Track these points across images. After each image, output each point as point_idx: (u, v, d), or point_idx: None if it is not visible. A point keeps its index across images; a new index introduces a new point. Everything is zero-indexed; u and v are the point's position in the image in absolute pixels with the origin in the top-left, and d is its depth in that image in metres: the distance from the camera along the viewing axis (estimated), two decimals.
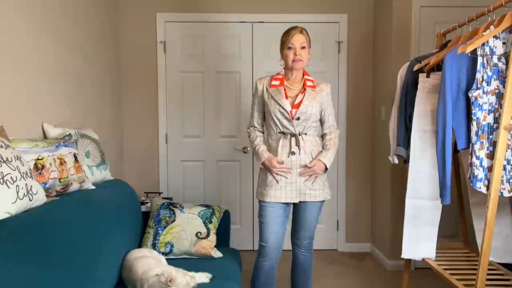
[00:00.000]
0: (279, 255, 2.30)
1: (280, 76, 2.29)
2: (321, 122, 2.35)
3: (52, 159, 1.75)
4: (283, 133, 2.23)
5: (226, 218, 2.61)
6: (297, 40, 2.18)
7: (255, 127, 2.38)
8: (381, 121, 3.48)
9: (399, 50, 3.23)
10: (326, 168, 2.25)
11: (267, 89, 2.27)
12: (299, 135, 2.22)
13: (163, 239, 2.31)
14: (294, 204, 2.28)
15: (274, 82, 2.27)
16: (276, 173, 2.21)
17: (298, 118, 2.20)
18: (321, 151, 2.28)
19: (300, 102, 2.21)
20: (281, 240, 2.28)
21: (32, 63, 2.03)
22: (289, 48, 2.19)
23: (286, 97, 2.23)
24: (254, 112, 2.38)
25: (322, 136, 2.37)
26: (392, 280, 3.10)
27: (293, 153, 2.20)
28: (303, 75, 2.29)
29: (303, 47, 2.19)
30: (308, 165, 2.19)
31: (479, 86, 1.98)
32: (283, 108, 2.20)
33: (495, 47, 1.97)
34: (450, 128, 2.08)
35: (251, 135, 2.37)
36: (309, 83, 2.26)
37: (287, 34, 2.22)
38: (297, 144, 2.20)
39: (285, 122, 2.21)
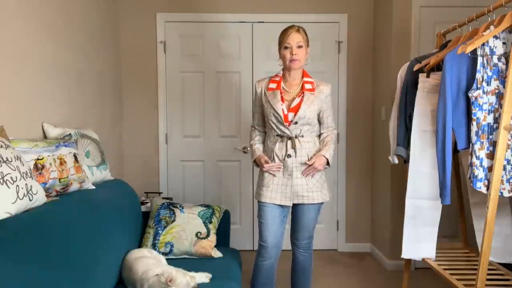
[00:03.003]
0: (278, 254, 2.31)
1: (278, 78, 2.27)
2: (319, 122, 2.34)
3: (52, 159, 1.75)
4: (280, 136, 2.23)
5: (226, 218, 2.61)
6: (294, 39, 2.16)
7: (255, 127, 2.43)
8: (381, 121, 3.48)
9: (399, 50, 3.23)
10: (328, 163, 2.25)
11: (265, 92, 2.27)
12: (296, 138, 2.21)
13: (163, 239, 2.31)
14: (293, 204, 2.27)
15: (271, 85, 2.26)
16: (268, 171, 2.25)
17: (296, 123, 2.19)
18: (320, 149, 2.27)
19: (297, 106, 2.19)
20: (280, 240, 2.28)
21: (32, 63, 2.03)
22: (286, 47, 2.18)
23: (283, 101, 2.22)
24: (255, 114, 2.41)
25: (319, 136, 2.35)
26: (392, 280, 3.10)
27: (289, 155, 2.20)
28: (303, 76, 2.27)
29: (299, 46, 2.17)
30: (308, 162, 2.19)
31: (479, 86, 1.98)
32: (277, 113, 2.19)
33: (495, 47, 1.97)
34: (450, 128, 2.08)
35: (251, 134, 2.44)
36: (307, 86, 2.23)
37: (284, 34, 2.20)
38: (293, 147, 2.20)
39: (280, 126, 2.21)
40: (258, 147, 2.35)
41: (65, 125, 2.33)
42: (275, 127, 2.23)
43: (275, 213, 2.24)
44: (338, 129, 3.72)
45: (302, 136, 2.22)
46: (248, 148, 3.67)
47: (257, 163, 2.32)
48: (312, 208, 2.27)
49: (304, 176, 2.22)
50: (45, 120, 2.14)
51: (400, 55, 3.21)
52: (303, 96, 2.21)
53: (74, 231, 1.55)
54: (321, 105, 2.26)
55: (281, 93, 2.23)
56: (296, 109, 2.19)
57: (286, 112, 2.20)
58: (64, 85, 2.39)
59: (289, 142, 2.21)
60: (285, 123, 2.19)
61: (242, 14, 3.62)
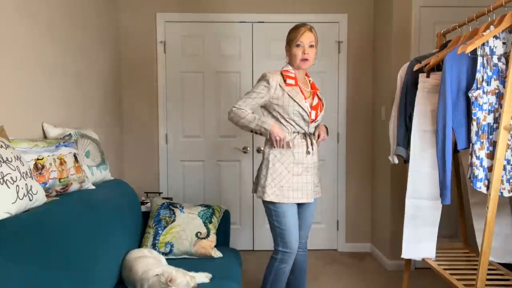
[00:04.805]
0: None
1: (292, 75, 2.18)
2: None
3: (52, 159, 1.75)
4: (297, 132, 2.19)
5: (226, 218, 2.61)
6: (307, 38, 2.13)
7: (243, 109, 2.15)
8: (381, 121, 3.48)
9: (399, 50, 3.23)
10: (327, 130, 2.33)
11: (281, 86, 2.14)
12: (311, 135, 2.22)
13: (163, 239, 2.31)
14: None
15: (289, 81, 2.15)
16: (278, 141, 2.09)
17: (317, 121, 2.22)
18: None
19: (317, 105, 2.21)
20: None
21: (32, 63, 2.03)
22: (298, 45, 2.13)
23: (305, 98, 2.18)
24: (251, 100, 2.15)
25: None
26: (392, 280, 3.10)
27: (308, 152, 2.18)
28: (306, 75, 2.30)
29: (311, 46, 2.15)
30: (315, 133, 2.25)
31: (479, 86, 1.98)
32: (304, 110, 2.14)
33: (495, 47, 1.97)
34: (450, 128, 2.07)
35: (241, 112, 2.13)
36: (316, 85, 2.30)
37: (296, 31, 2.15)
38: (312, 144, 2.20)
39: (301, 123, 2.17)
40: (264, 117, 2.17)
41: (65, 125, 2.33)
42: (294, 124, 2.17)
43: (294, 215, 2.18)
44: (338, 129, 3.73)
45: (312, 133, 2.25)
46: (249, 148, 3.67)
47: (271, 134, 2.08)
48: (314, 202, 2.30)
49: (317, 142, 2.27)
50: (45, 120, 2.14)
51: (400, 55, 3.21)
52: (317, 95, 2.25)
53: (74, 231, 1.55)
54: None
55: (300, 90, 2.18)
56: (316, 108, 2.21)
57: (309, 109, 2.18)
58: (64, 85, 2.40)
59: (308, 139, 2.19)
60: (308, 121, 2.18)
61: (242, 14, 3.62)
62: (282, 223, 2.14)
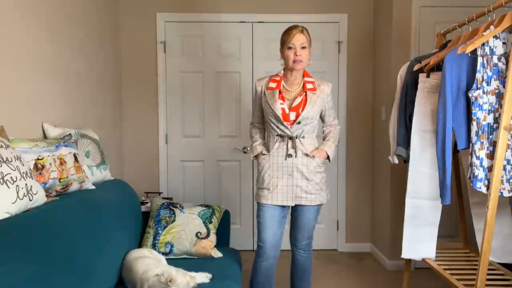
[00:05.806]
0: (277, 255, 2.30)
1: (278, 78, 2.26)
2: (322, 119, 2.37)
3: (52, 159, 1.75)
4: (280, 135, 2.22)
5: (226, 218, 2.61)
6: (298, 40, 2.14)
7: (255, 125, 2.42)
8: (381, 121, 3.48)
9: (399, 50, 3.23)
10: (328, 158, 2.29)
11: (264, 92, 2.27)
12: (296, 138, 2.20)
13: (163, 239, 2.31)
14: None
15: (271, 85, 2.25)
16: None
17: (299, 122, 2.18)
18: (323, 142, 2.33)
19: (299, 105, 2.19)
20: (279, 240, 2.28)
21: (32, 63, 2.03)
22: (289, 48, 2.16)
23: (283, 100, 2.21)
24: (254, 112, 2.41)
25: (323, 132, 2.41)
26: (392, 280, 3.10)
27: (289, 155, 2.20)
28: (303, 76, 2.27)
29: (303, 47, 2.16)
30: (309, 154, 2.21)
31: (479, 86, 1.98)
32: (275, 113, 2.18)
33: (495, 47, 1.97)
34: (450, 128, 2.08)
35: (251, 131, 2.44)
36: (309, 86, 2.22)
37: (287, 34, 2.17)
38: (293, 147, 2.20)
39: (280, 126, 2.20)
40: (258, 143, 2.34)
41: (65, 125, 2.33)
42: (275, 127, 2.22)
43: (274, 214, 2.24)
44: (339, 124, 3.72)
45: (303, 137, 2.22)
46: (248, 148, 3.67)
47: (257, 157, 2.34)
48: (311, 209, 2.26)
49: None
50: (45, 120, 2.14)
51: (400, 55, 3.21)
52: (305, 96, 2.21)
53: (74, 231, 1.55)
54: (323, 105, 2.28)
55: (280, 92, 2.22)
56: (297, 109, 2.19)
57: (287, 111, 2.19)
58: (64, 85, 2.39)
59: (289, 142, 2.21)
60: (284, 122, 2.18)
61: (242, 14, 3.62)
62: (260, 216, 2.27)
